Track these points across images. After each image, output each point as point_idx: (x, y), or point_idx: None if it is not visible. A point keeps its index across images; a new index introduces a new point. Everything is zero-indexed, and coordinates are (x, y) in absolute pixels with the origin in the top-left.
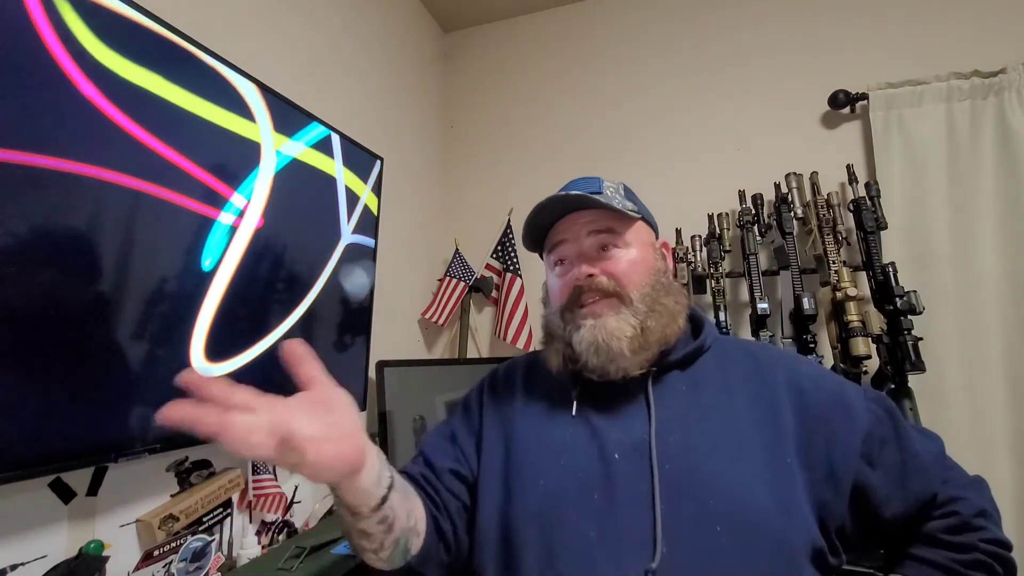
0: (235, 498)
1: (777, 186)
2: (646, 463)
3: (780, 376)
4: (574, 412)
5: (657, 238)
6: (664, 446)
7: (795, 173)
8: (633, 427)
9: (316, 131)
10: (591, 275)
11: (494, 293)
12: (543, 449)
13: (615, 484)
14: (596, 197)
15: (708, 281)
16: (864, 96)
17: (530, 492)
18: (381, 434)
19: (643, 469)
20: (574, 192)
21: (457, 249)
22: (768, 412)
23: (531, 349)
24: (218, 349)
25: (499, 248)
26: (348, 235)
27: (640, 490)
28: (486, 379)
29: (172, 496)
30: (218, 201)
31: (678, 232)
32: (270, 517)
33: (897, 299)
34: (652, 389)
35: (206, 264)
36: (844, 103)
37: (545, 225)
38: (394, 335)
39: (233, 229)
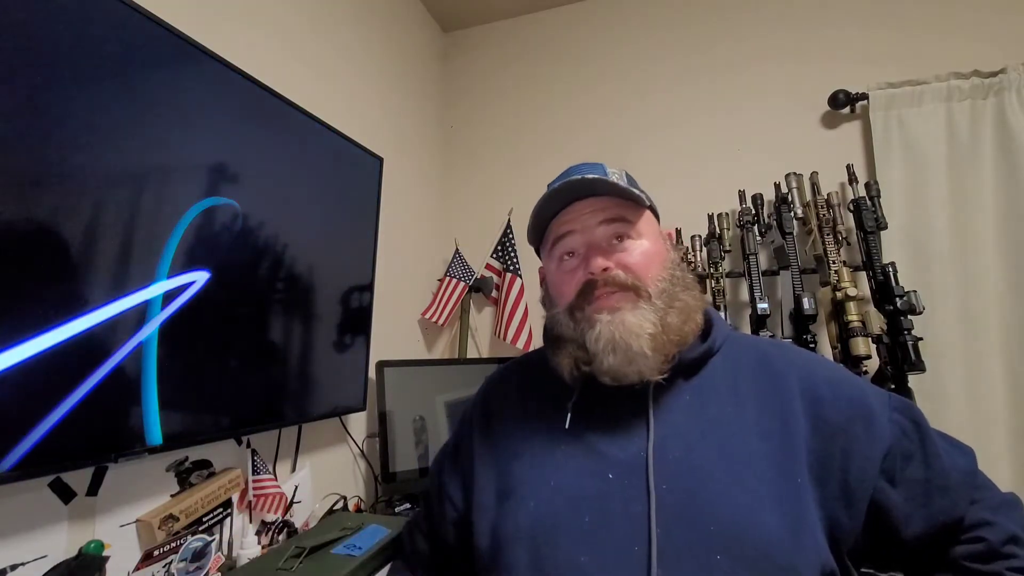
0: (235, 498)
1: (777, 186)
2: (642, 483)
3: (794, 381)
4: (567, 425)
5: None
6: (663, 465)
7: (795, 173)
8: (630, 443)
9: (316, 131)
10: (606, 268)
11: (494, 293)
12: (534, 467)
13: (608, 506)
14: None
15: (708, 281)
16: (864, 96)
17: (520, 514)
18: (381, 434)
19: (639, 490)
20: (590, 176)
21: (457, 249)
22: (779, 423)
23: (531, 349)
24: None
25: (499, 248)
26: (347, 235)
27: (635, 513)
28: (477, 398)
29: (172, 496)
30: (218, 200)
31: (678, 232)
32: (270, 517)
33: (897, 299)
34: (653, 400)
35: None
36: (844, 103)
37: (547, 217)
38: (394, 335)
39: (234, 228)
